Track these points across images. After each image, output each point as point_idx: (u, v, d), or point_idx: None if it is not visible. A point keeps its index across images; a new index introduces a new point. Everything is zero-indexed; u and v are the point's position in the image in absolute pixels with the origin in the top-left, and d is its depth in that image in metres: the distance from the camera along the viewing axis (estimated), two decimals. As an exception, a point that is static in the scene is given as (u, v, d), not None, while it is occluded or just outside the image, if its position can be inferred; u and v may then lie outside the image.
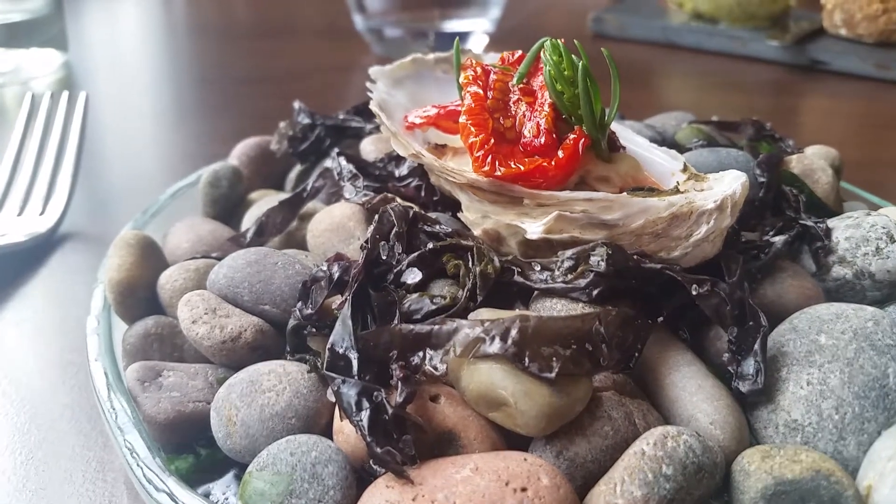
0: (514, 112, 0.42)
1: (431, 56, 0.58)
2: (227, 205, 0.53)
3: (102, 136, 0.85)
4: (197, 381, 0.36)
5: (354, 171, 0.48)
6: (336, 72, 1.05)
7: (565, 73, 0.40)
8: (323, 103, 0.91)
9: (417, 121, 0.47)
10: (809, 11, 1.18)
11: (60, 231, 0.63)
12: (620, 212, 0.37)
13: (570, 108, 0.40)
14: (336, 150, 0.50)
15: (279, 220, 0.48)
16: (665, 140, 0.55)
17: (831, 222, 0.45)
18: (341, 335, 0.33)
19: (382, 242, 0.38)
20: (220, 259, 0.45)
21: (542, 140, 0.39)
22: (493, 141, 0.39)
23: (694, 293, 0.35)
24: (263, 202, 0.52)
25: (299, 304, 0.37)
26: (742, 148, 0.52)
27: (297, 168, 0.58)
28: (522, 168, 0.38)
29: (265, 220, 0.47)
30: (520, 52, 0.45)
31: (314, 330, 0.36)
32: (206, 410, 0.35)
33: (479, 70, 0.44)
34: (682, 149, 0.53)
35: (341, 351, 0.33)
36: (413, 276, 0.37)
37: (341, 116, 0.58)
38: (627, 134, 0.45)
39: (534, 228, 0.37)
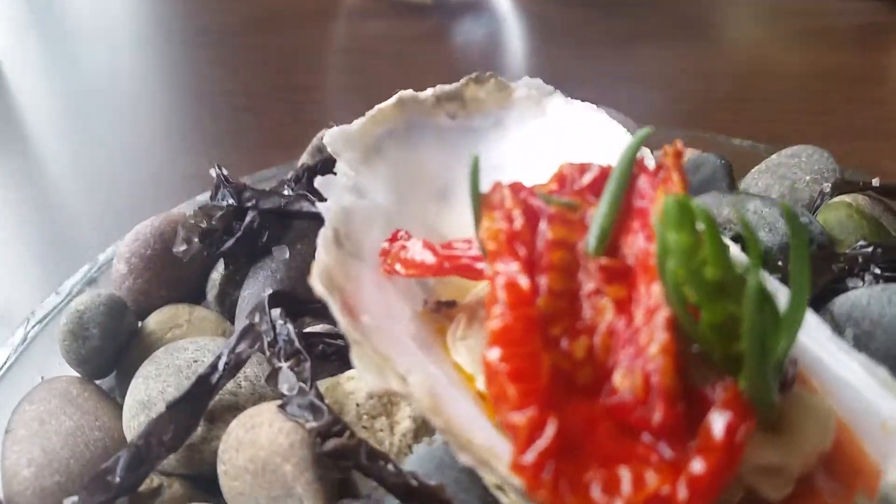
0: (587, 319, 0.21)
1: (430, 93, 0.36)
2: (104, 356, 0.33)
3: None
4: None
5: (297, 344, 0.28)
6: (310, 19, 0.81)
7: (706, 274, 0.19)
8: (291, 66, 0.68)
9: (402, 270, 0.26)
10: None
11: None
12: None
13: (709, 342, 0.19)
14: (267, 300, 0.29)
15: (170, 435, 0.28)
16: (812, 237, 0.33)
17: None
18: None
19: None
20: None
21: (658, 416, 0.19)
22: (554, 429, 0.18)
23: None
24: (162, 353, 0.32)
25: None
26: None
27: (222, 268, 0.37)
28: (619, 505, 0.18)
29: (143, 443, 0.27)
30: (596, 166, 0.24)
31: None
32: None
33: (515, 215, 0.22)
34: (840, 253, 0.32)
35: None
36: None
37: (286, 191, 0.36)
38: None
39: None
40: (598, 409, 0.20)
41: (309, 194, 0.36)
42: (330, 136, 0.32)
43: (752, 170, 0.41)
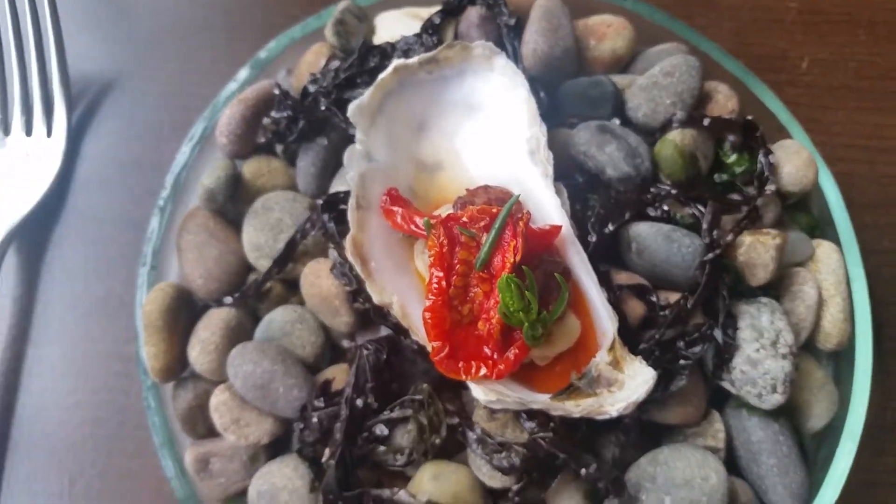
0: (471, 297, 0.47)
1: (415, 60, 0.53)
2: (228, 201, 0.58)
3: None
4: (234, 463, 0.53)
5: (337, 238, 0.53)
6: None
7: (511, 307, 0.44)
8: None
9: (392, 224, 0.50)
10: None
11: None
12: (544, 407, 0.47)
13: (514, 325, 0.46)
14: (320, 207, 0.53)
15: (276, 272, 0.55)
16: (639, 172, 0.54)
17: (742, 337, 0.52)
18: (331, 483, 0.49)
19: (360, 398, 0.50)
20: (233, 305, 0.55)
21: (491, 345, 0.46)
22: (447, 350, 0.46)
23: (582, 475, 0.48)
24: (260, 209, 0.57)
25: (300, 427, 0.51)
26: (706, 204, 0.53)
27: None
28: (469, 378, 0.46)
29: (262, 278, 0.55)
30: (487, 217, 0.46)
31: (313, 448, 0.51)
32: (244, 487, 0.53)
33: (444, 241, 0.46)
34: (648, 189, 0.54)
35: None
36: (381, 430, 0.50)
37: (323, 107, 0.56)
38: (583, 275, 0.49)
39: (480, 396, 0.48)
40: (469, 334, 0.47)
41: (337, 111, 0.56)
42: (350, 112, 0.51)
43: (637, 82, 0.58)
